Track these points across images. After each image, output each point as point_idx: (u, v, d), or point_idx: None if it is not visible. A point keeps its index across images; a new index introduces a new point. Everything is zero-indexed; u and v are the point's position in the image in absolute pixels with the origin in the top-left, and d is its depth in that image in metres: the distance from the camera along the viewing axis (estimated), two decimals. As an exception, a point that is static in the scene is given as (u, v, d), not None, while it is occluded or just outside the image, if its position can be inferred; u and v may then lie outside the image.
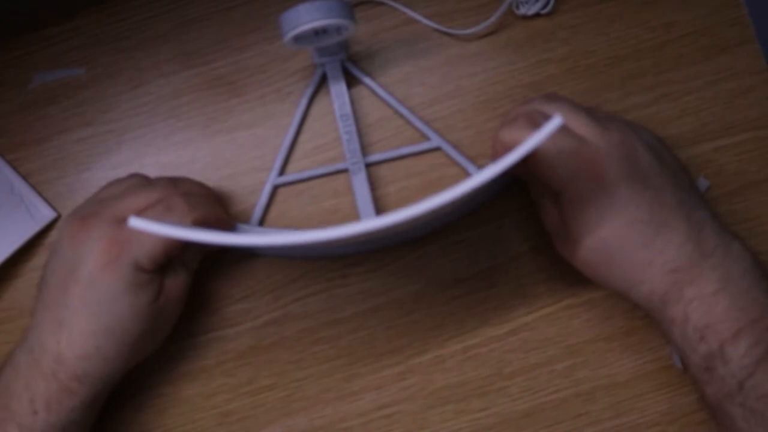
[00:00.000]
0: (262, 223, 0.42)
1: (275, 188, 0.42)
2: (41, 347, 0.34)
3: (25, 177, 0.43)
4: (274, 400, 0.41)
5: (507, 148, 0.34)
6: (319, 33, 0.37)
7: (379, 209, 0.41)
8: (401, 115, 0.42)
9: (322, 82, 0.43)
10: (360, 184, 0.40)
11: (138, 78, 0.43)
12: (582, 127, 0.34)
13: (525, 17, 0.43)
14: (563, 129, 0.33)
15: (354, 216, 0.42)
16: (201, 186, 0.39)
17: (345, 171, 0.42)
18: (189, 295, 0.38)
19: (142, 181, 0.37)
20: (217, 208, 0.37)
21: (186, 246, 0.36)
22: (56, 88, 0.43)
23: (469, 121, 0.42)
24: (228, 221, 0.38)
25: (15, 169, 0.43)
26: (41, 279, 0.36)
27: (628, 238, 0.32)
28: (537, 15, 0.43)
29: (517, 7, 0.42)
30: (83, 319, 0.34)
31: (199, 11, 0.43)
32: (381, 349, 0.41)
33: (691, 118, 0.42)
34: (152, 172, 0.42)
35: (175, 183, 0.37)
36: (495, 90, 0.43)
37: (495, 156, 0.36)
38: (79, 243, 0.34)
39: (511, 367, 0.41)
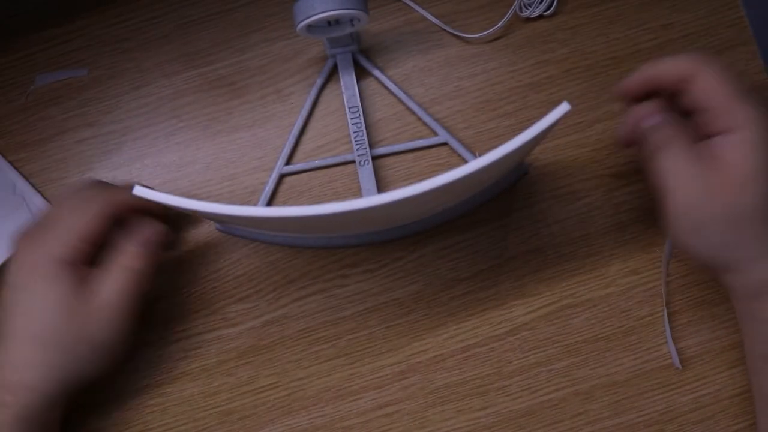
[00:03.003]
0: None
1: (281, 177, 0.42)
2: None
3: (27, 177, 0.43)
4: (274, 399, 0.41)
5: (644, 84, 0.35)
6: (332, 23, 0.37)
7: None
8: (406, 111, 0.43)
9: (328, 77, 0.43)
10: (366, 176, 0.41)
11: (139, 79, 0.43)
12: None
13: (526, 19, 0.43)
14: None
15: (354, 216, 0.42)
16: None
17: (350, 163, 0.42)
18: (141, 309, 0.37)
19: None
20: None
21: (121, 245, 0.36)
22: (58, 89, 0.44)
23: (469, 121, 0.43)
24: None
25: (17, 169, 0.43)
26: None
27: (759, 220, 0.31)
28: (539, 17, 0.43)
29: (521, 10, 0.42)
30: (16, 327, 0.34)
31: (200, 12, 0.44)
32: (381, 349, 0.41)
33: (690, 119, 0.42)
34: (153, 173, 0.43)
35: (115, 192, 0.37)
36: (495, 91, 0.43)
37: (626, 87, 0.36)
38: (16, 256, 0.35)
39: (510, 367, 0.41)
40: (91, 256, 0.35)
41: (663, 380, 0.40)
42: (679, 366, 0.40)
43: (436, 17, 0.43)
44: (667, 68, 0.34)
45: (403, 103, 0.42)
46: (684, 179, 0.33)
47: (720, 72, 0.32)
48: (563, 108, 0.24)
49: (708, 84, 0.32)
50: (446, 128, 0.42)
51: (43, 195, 0.43)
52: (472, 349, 0.41)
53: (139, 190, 0.26)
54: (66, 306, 0.34)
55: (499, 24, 0.42)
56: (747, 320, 0.34)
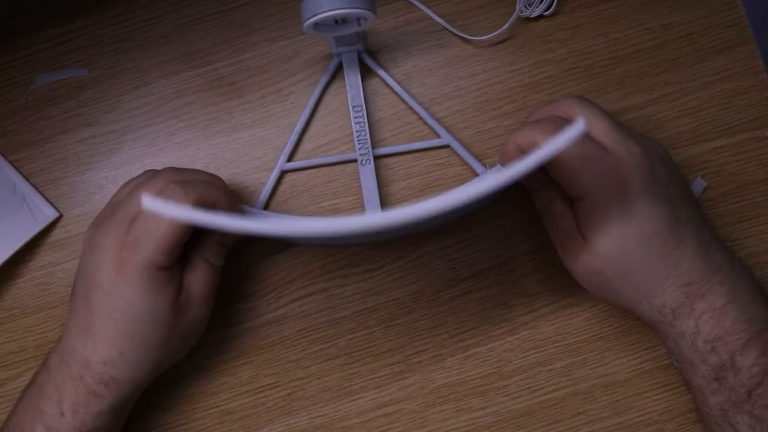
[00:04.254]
0: (266, 207, 0.42)
1: (283, 173, 0.42)
2: (70, 351, 0.35)
3: (27, 177, 0.43)
4: (274, 399, 0.41)
5: (521, 150, 0.34)
6: (338, 22, 0.38)
7: (383, 205, 0.42)
8: (406, 110, 0.43)
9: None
10: (368, 175, 0.41)
11: (139, 78, 0.43)
12: (604, 134, 0.34)
13: (526, 18, 0.43)
14: (587, 136, 0.33)
15: (354, 216, 0.42)
16: (205, 174, 0.38)
17: (352, 162, 0.42)
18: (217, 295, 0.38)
19: (149, 176, 0.37)
20: (218, 193, 0.36)
21: (204, 240, 0.37)
22: (58, 89, 0.44)
23: (469, 121, 0.43)
24: (232, 206, 0.37)
25: (17, 169, 0.43)
26: (73, 286, 0.37)
27: (648, 249, 0.33)
28: (539, 17, 0.43)
29: (521, 9, 0.42)
30: (105, 325, 0.34)
31: (200, 12, 0.44)
32: (380, 348, 0.41)
33: (690, 119, 0.42)
34: (153, 173, 0.43)
35: (180, 172, 0.37)
36: (494, 90, 0.43)
37: (505, 156, 0.36)
38: (96, 250, 0.34)
39: (510, 366, 0.41)
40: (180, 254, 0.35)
41: (662, 380, 0.40)
42: (678, 366, 0.40)
43: (435, 14, 0.43)
44: (530, 141, 0.34)
45: (407, 104, 0.42)
46: (560, 240, 0.36)
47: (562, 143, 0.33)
48: (580, 125, 0.24)
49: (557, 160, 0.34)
50: (447, 129, 0.42)
51: (43, 195, 0.43)
52: (472, 348, 0.41)
53: (147, 203, 0.25)
54: (158, 311, 0.34)
55: (505, 26, 0.42)
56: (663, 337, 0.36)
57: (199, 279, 0.36)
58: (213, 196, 0.35)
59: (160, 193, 0.34)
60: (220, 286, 0.42)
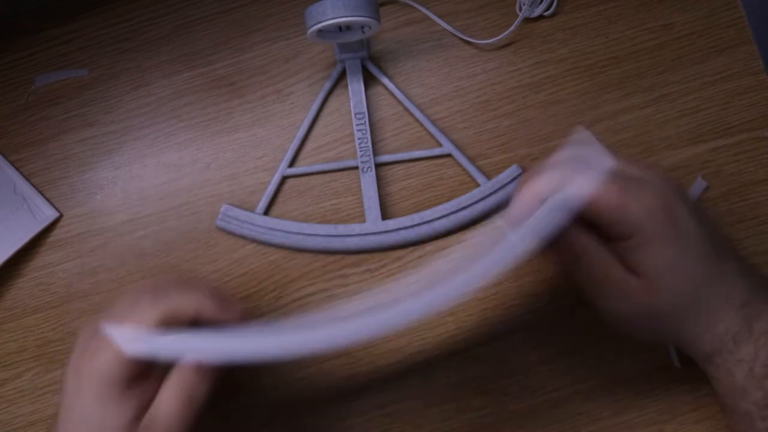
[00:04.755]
0: (267, 212, 0.42)
1: (284, 179, 0.42)
2: None
3: (27, 177, 0.43)
4: (275, 399, 0.41)
5: (539, 199, 0.31)
6: (342, 29, 0.38)
7: (382, 209, 0.42)
8: (406, 111, 0.43)
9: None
10: (369, 183, 0.41)
11: (140, 79, 0.44)
12: (625, 164, 0.32)
13: (526, 19, 0.43)
14: (615, 170, 0.31)
15: (353, 217, 0.42)
16: (187, 284, 0.34)
17: (353, 169, 0.42)
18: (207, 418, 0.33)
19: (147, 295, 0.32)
20: (199, 300, 0.32)
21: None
22: (59, 89, 0.44)
23: (469, 121, 0.43)
24: (223, 313, 0.32)
25: (18, 169, 0.43)
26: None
27: (706, 272, 0.31)
28: (539, 17, 0.43)
29: (520, 9, 0.42)
30: (71, 423, 0.31)
31: (200, 12, 0.44)
32: (381, 349, 0.41)
33: (689, 119, 0.42)
34: (153, 173, 0.43)
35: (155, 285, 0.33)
36: (494, 90, 0.43)
37: (519, 209, 0.32)
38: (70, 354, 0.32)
39: (510, 366, 0.41)
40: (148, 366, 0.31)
41: (663, 380, 0.40)
42: (679, 365, 0.40)
43: (438, 18, 0.43)
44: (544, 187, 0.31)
45: (411, 113, 0.42)
46: (603, 288, 0.32)
47: (593, 181, 0.30)
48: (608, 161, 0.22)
49: (594, 201, 0.31)
50: (443, 130, 0.42)
51: (43, 195, 0.43)
52: (472, 348, 0.41)
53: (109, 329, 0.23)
54: (110, 428, 0.30)
55: (510, 29, 0.42)
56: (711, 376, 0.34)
57: (171, 399, 0.30)
58: (191, 305, 0.31)
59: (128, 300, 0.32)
60: (221, 286, 0.42)
